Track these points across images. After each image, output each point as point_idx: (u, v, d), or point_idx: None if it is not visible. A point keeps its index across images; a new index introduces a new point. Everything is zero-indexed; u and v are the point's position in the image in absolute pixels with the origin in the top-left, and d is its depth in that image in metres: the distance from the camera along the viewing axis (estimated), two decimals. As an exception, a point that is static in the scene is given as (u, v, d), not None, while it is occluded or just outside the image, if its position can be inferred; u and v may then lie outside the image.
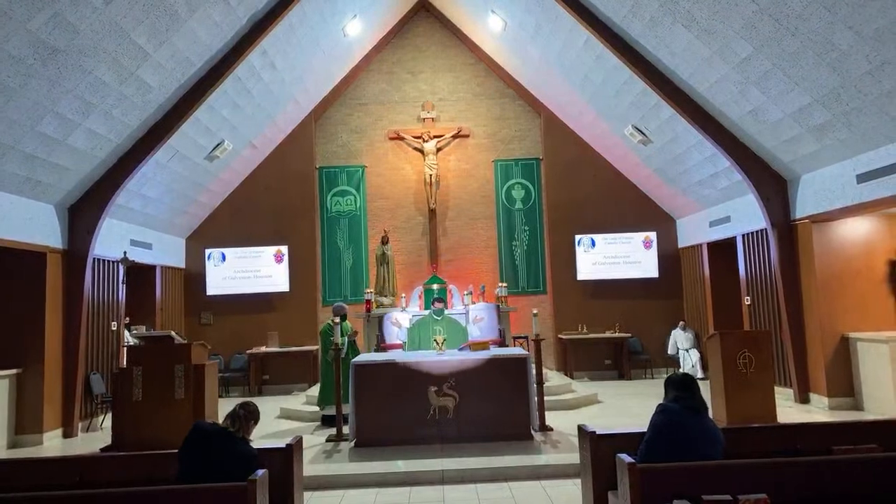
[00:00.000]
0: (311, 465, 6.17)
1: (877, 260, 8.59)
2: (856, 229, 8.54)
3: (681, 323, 11.86)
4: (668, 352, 11.82)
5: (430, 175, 12.47)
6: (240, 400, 3.94)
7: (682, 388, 3.63)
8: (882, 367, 7.87)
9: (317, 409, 8.51)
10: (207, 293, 12.13)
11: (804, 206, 8.61)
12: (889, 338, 7.83)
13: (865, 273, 8.53)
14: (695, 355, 11.58)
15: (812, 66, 6.76)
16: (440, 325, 8.44)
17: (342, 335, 7.81)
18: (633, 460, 3.36)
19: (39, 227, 8.01)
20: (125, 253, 9.30)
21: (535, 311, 8.19)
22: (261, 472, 3.44)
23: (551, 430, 7.33)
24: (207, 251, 12.20)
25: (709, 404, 7.61)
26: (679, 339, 11.77)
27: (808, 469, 3.38)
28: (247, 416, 3.74)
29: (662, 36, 8.09)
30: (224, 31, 8.26)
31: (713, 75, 8.03)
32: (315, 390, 9.22)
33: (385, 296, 11.37)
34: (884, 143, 7.03)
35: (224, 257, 12.20)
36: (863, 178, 7.43)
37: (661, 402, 3.71)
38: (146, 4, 6.79)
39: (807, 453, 3.94)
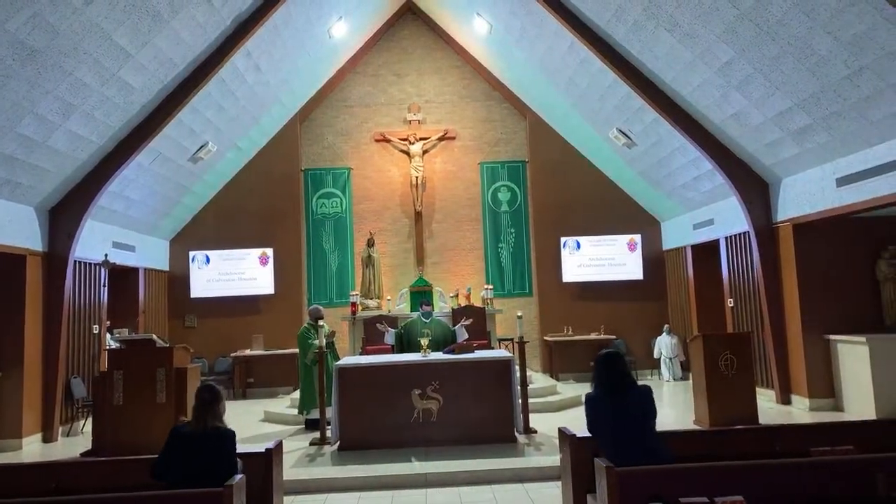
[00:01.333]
0: (293, 469, 6.14)
1: (856, 262, 8.69)
2: (836, 232, 8.61)
3: (665, 327, 11.88)
4: (655, 356, 11.86)
5: (416, 177, 12.47)
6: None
7: (601, 368, 3.82)
8: (862, 368, 7.96)
9: (299, 413, 8.46)
10: (191, 296, 12.04)
11: (785, 209, 8.71)
12: (868, 339, 7.92)
13: (845, 275, 8.62)
14: (677, 366, 11.59)
15: (792, 71, 6.83)
16: (428, 328, 8.40)
17: (323, 338, 7.79)
18: (611, 464, 3.38)
19: (19, 230, 7.91)
20: (106, 256, 9.22)
21: (519, 314, 8.20)
22: (238, 476, 3.41)
23: (535, 432, 7.34)
24: (191, 253, 12.11)
25: (692, 405, 7.71)
26: (663, 346, 11.78)
27: (785, 471, 3.42)
28: (214, 401, 3.69)
29: (646, 40, 8.14)
30: (208, 33, 8.21)
31: (695, 79, 8.09)
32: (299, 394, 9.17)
33: (371, 298, 11.35)
34: (863, 147, 7.13)
35: (208, 260, 12.12)
36: (842, 181, 7.52)
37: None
38: (127, 5, 6.73)
39: (785, 455, 3.97)
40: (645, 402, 3.74)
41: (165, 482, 3.52)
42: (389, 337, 8.31)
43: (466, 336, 8.19)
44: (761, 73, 7.18)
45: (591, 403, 3.84)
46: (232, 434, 3.68)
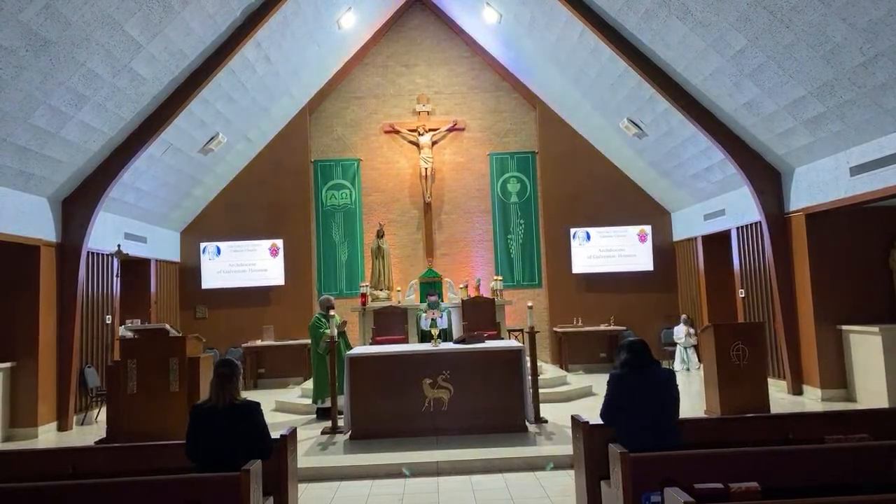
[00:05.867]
0: (306, 458, 6.18)
1: (869, 252, 8.61)
2: (849, 222, 8.54)
3: (683, 317, 11.81)
4: (678, 343, 11.80)
5: (426, 169, 12.46)
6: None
7: (628, 351, 3.94)
8: (874, 358, 7.91)
9: (313, 402, 8.51)
10: (202, 287, 12.11)
11: (798, 198, 8.64)
12: (881, 329, 7.87)
13: (858, 265, 8.55)
14: (693, 358, 11.54)
15: (806, 59, 6.76)
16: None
17: (335, 327, 7.82)
18: (625, 450, 3.38)
19: (33, 221, 7.98)
20: (119, 246, 9.27)
21: (529, 304, 8.19)
22: (254, 462, 3.44)
23: (546, 421, 7.35)
24: (202, 245, 12.17)
25: (703, 396, 7.70)
26: (679, 335, 11.73)
27: (799, 457, 3.41)
28: (232, 375, 3.74)
29: (657, 29, 8.08)
30: (218, 23, 8.22)
31: (708, 68, 8.03)
32: (311, 383, 9.22)
33: (381, 289, 11.37)
34: (877, 135, 7.05)
35: (219, 251, 12.18)
36: (856, 170, 7.45)
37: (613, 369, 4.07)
38: (139, -4, 6.75)
39: (798, 442, 3.96)
40: (668, 384, 3.84)
41: (198, 462, 3.56)
42: (424, 322, 8.63)
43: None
44: (775, 62, 7.11)
45: (615, 380, 3.92)
46: (257, 405, 3.72)
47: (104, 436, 7.08)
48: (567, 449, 5.79)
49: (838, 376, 8.47)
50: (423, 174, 12.47)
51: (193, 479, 3.30)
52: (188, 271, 12.19)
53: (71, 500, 3.24)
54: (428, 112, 12.77)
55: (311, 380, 8.76)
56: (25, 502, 3.27)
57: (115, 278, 9.60)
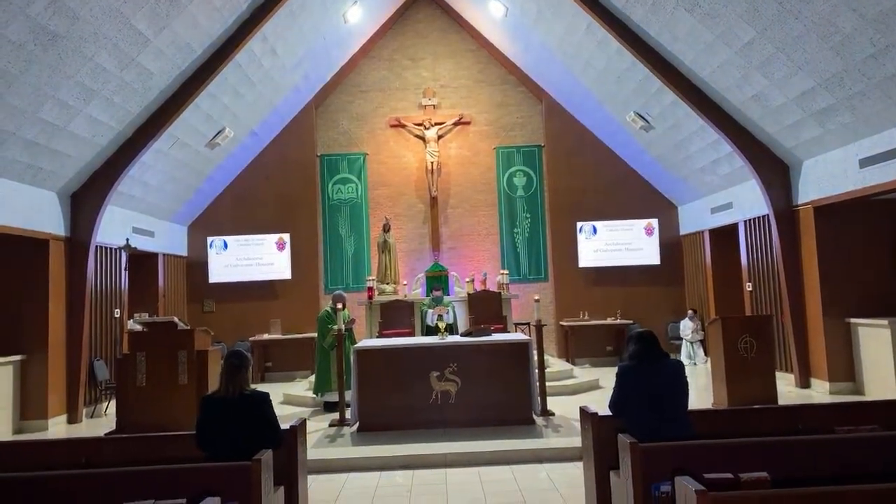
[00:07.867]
0: (314, 450, 6.21)
1: (878, 245, 8.58)
2: (858, 214, 8.50)
3: (689, 313, 11.76)
4: (684, 338, 11.78)
5: (432, 162, 12.45)
6: None
7: (637, 342, 3.97)
8: (883, 351, 7.89)
9: (314, 394, 8.56)
10: (210, 281, 12.15)
11: (806, 191, 8.60)
12: (890, 322, 7.83)
13: (867, 258, 8.52)
14: (700, 352, 11.52)
15: (815, 50, 6.72)
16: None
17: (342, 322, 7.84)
18: (635, 440, 3.39)
19: (42, 215, 8.02)
20: (127, 240, 9.32)
21: (536, 298, 8.21)
22: (265, 452, 3.46)
23: (553, 414, 7.37)
24: (209, 239, 12.21)
25: (710, 390, 7.68)
26: (685, 330, 11.71)
27: (809, 448, 3.40)
28: (242, 366, 3.75)
29: (665, 21, 8.04)
30: (224, 17, 8.22)
31: (715, 60, 7.99)
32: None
33: (387, 283, 11.38)
34: (887, 127, 7.01)
35: (226, 245, 12.21)
36: (865, 162, 7.41)
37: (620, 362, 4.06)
38: (146, -11, 6.76)
39: (808, 433, 3.95)
40: (677, 375, 3.85)
41: (208, 452, 3.58)
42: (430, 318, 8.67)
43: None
44: (783, 53, 7.07)
45: (624, 373, 3.92)
46: (266, 396, 3.74)
47: (114, 428, 7.12)
48: (574, 441, 5.82)
49: (846, 369, 8.44)
50: (429, 168, 12.46)
51: (206, 468, 3.32)
52: (195, 265, 12.24)
53: (84, 490, 3.27)
54: (434, 106, 12.75)
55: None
56: (39, 491, 3.31)
57: (123, 272, 9.65)
